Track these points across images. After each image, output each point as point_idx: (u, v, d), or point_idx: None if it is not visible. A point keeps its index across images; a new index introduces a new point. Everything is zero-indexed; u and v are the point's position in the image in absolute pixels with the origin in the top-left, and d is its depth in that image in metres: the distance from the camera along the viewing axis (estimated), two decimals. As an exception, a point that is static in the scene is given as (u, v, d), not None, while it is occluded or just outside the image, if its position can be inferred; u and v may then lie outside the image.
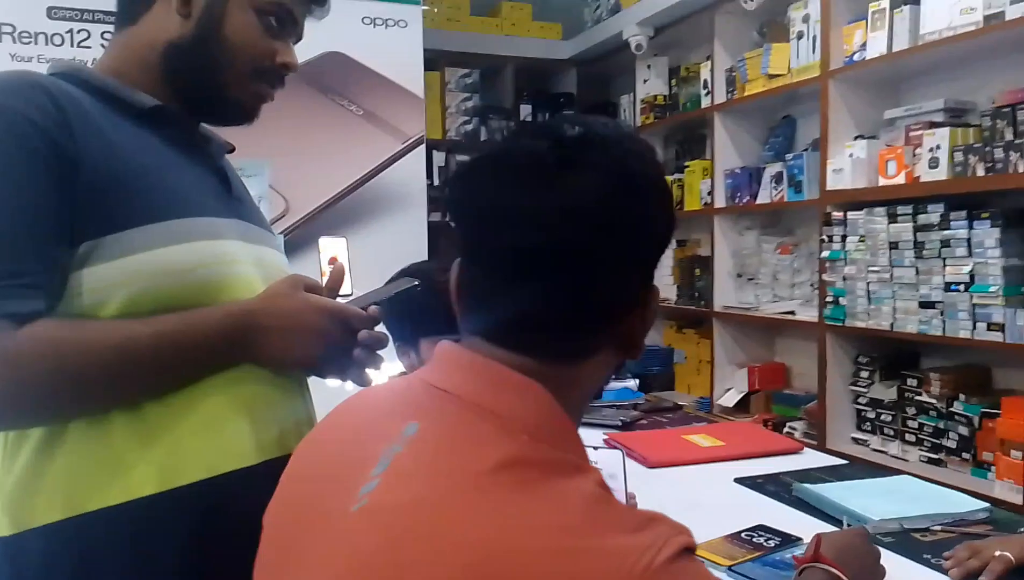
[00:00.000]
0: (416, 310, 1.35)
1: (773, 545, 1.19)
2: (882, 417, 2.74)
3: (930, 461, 2.53)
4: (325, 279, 1.01)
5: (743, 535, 1.23)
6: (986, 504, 1.34)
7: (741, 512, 1.34)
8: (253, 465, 0.90)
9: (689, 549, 0.59)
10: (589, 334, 0.70)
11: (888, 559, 1.16)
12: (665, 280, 3.92)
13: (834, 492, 1.39)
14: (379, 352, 1.00)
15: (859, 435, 2.83)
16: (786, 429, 3.07)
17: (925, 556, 1.17)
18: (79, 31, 3.01)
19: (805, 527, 1.27)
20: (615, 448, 1.18)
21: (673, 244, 3.96)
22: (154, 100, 0.95)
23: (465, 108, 4.19)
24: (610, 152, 0.68)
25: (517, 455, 0.62)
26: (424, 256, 3.57)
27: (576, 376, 0.70)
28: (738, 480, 1.55)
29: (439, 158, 4.07)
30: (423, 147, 3.58)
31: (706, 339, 3.58)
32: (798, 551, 1.15)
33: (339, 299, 1.00)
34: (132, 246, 0.85)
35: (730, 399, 3.39)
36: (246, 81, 0.99)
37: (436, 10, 4.06)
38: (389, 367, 1.04)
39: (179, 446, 0.86)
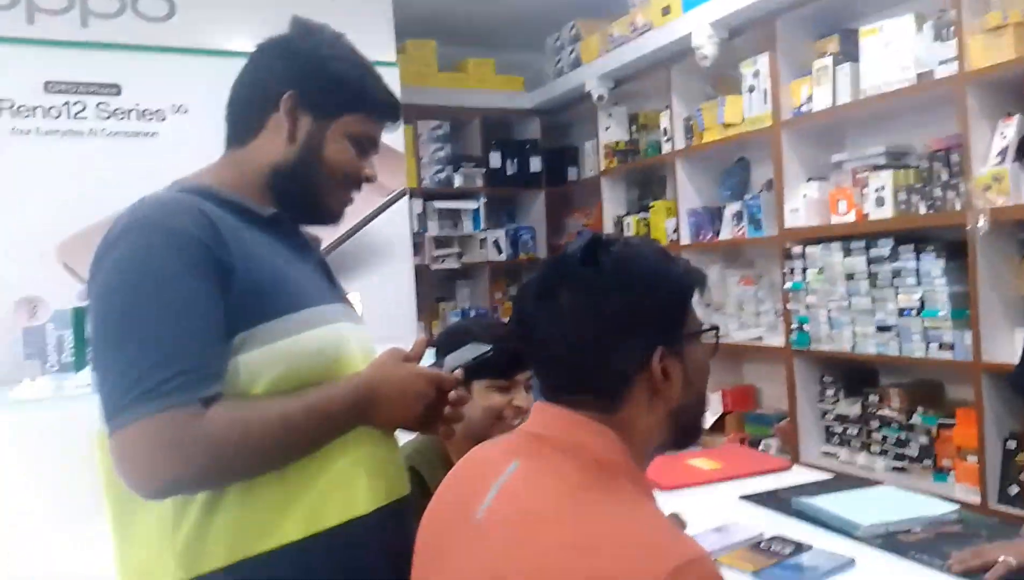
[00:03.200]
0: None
1: (789, 552, 1.40)
2: (848, 431, 3.01)
3: (895, 469, 2.80)
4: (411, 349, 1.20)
5: (761, 545, 1.45)
6: (956, 506, 1.58)
7: (752, 525, 1.56)
8: (369, 512, 1.09)
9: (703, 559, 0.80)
10: (609, 388, 0.92)
11: (879, 557, 1.40)
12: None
13: (828, 503, 1.62)
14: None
15: (828, 448, 3.10)
16: (761, 446, 3.32)
17: (911, 553, 1.40)
18: (75, 103, 3.14)
19: (809, 536, 1.49)
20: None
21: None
22: (271, 209, 1.13)
23: (438, 158, 4.41)
24: (577, 273, 0.93)
25: (589, 479, 0.88)
26: (412, 299, 3.76)
27: (621, 421, 0.93)
28: (743, 497, 1.77)
29: (416, 206, 4.27)
30: (406, 198, 3.78)
31: (679, 367, 3.82)
32: (810, 556, 1.38)
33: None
34: (275, 334, 1.02)
35: (706, 422, 3.62)
36: (339, 194, 1.18)
37: (408, 68, 4.28)
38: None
39: (319, 499, 1.03)
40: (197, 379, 0.95)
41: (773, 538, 1.47)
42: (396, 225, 3.76)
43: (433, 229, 4.37)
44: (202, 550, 0.99)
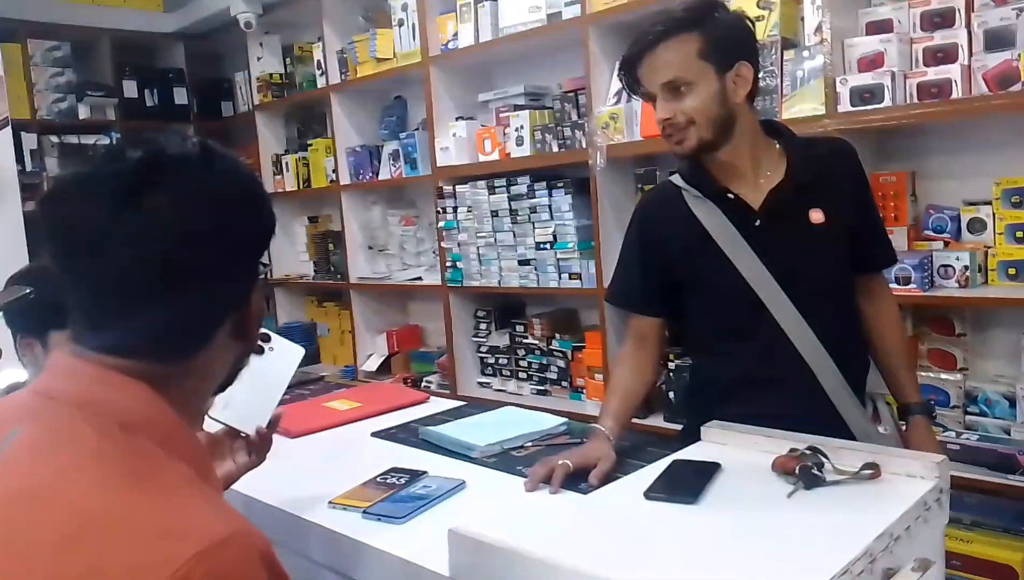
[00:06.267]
0: (42, 307, 1.29)
1: (403, 482, 1.38)
2: (500, 361, 3.16)
3: (539, 392, 2.99)
4: None
5: (377, 479, 1.40)
6: (564, 419, 1.68)
7: (378, 461, 1.52)
8: None
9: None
10: (194, 332, 0.78)
11: (490, 476, 1.43)
12: (301, 256, 4.01)
13: (450, 429, 1.64)
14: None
15: (483, 379, 3.22)
16: (424, 383, 3.37)
17: (518, 468, 1.44)
18: None
19: (430, 463, 1.48)
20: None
21: (305, 221, 4.04)
22: None
23: (57, 85, 3.80)
24: (183, 172, 0.74)
25: (107, 447, 0.70)
26: (22, 247, 3.23)
27: (188, 369, 0.78)
28: (374, 434, 1.73)
29: (30, 140, 3.65)
30: (9, 129, 3.20)
31: (346, 310, 3.74)
32: (423, 484, 1.36)
33: None
34: None
35: (373, 364, 3.60)
36: None
37: (8, -27, 3.61)
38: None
39: None
40: None
41: (389, 470, 1.43)
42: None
43: (53, 168, 3.77)
44: None
